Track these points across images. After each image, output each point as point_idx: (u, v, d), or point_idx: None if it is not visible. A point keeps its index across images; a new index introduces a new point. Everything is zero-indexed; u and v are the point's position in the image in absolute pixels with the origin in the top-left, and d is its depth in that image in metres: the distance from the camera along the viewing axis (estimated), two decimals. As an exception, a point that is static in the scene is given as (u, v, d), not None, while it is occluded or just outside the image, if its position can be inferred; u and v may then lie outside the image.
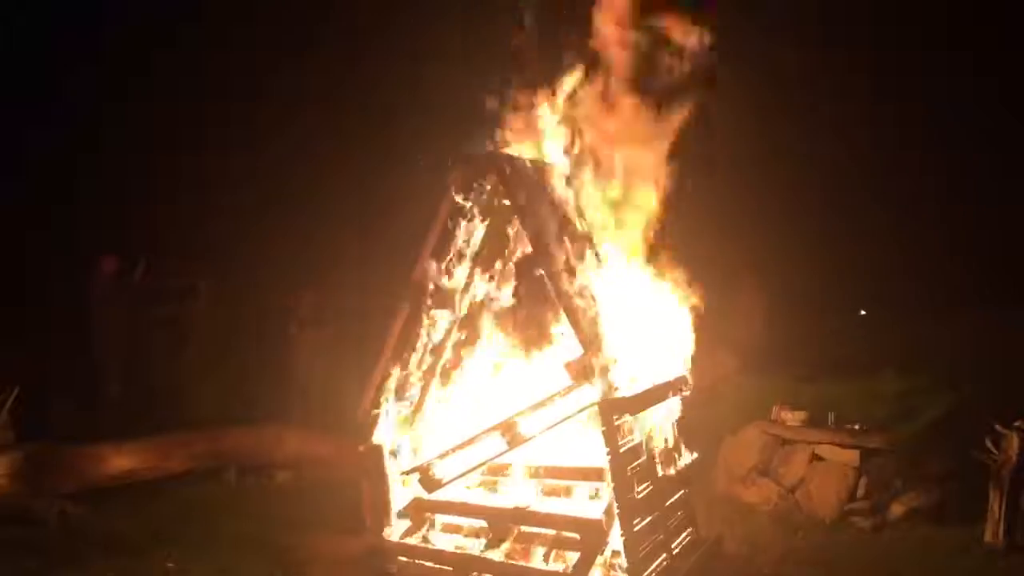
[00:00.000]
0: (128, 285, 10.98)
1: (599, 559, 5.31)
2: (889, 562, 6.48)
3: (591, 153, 6.43)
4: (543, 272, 5.40)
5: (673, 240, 6.44)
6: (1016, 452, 6.55)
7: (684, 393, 6.15)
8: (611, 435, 5.18)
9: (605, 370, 5.25)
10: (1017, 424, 6.66)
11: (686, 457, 6.20)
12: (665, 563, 5.54)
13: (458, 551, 5.73)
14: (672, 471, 5.94)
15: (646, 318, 6.10)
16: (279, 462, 9.18)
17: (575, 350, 5.39)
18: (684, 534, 6.02)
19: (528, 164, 5.95)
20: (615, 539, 5.27)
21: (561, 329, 5.99)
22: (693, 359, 6.26)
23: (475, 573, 5.47)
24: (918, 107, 10.10)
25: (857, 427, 7.97)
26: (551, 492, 5.84)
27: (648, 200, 6.42)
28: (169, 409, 10.59)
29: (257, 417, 10.70)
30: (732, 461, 8.48)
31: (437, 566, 5.68)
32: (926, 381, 8.20)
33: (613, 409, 5.18)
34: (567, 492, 5.79)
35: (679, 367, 6.18)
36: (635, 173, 6.45)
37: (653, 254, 6.42)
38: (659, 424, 5.91)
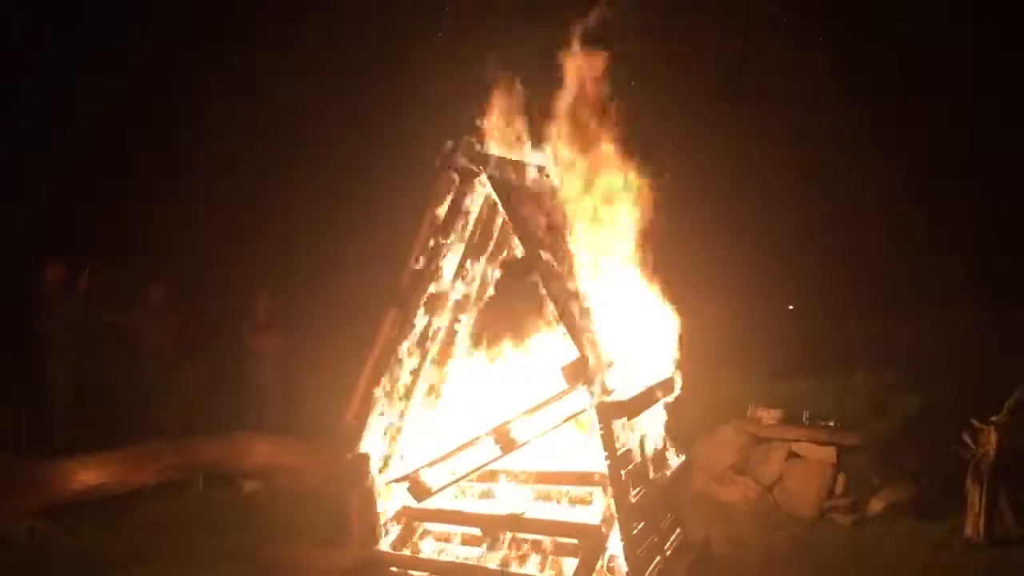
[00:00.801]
0: (74, 292, 10.64)
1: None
2: (874, 558, 6.55)
3: (573, 155, 6.40)
4: (537, 275, 5.32)
5: (654, 242, 6.42)
6: (994, 447, 6.66)
7: (672, 395, 6.14)
8: (609, 439, 5.12)
9: (602, 373, 5.19)
10: (994, 419, 6.76)
11: (675, 459, 6.19)
12: (660, 566, 5.51)
13: (452, 560, 5.62)
14: (663, 473, 5.92)
15: (633, 320, 6.07)
16: (248, 472, 8.99)
17: (568, 353, 5.32)
18: (674, 536, 6.01)
19: (517, 166, 5.89)
20: (613, 544, 5.22)
21: (551, 332, 5.93)
22: (679, 360, 6.26)
23: (473, 582, 5.36)
24: (891, 105, 10.25)
25: (832, 424, 8.07)
26: (542, 497, 5.77)
27: (630, 202, 6.40)
28: (124, 419, 10.33)
29: (213, 425, 10.51)
30: (708, 460, 8.51)
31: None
32: (896, 378, 8.31)
33: (612, 412, 5.12)
34: (560, 497, 5.73)
35: (666, 368, 6.16)
36: (614, 176, 6.43)
37: (636, 255, 6.39)
38: (649, 426, 5.89)
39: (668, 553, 5.72)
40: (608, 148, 6.35)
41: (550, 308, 5.41)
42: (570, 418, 5.33)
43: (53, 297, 10.36)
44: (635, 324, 6.06)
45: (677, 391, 6.20)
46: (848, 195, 10.10)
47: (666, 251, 6.45)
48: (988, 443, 6.69)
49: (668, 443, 6.14)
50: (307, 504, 8.26)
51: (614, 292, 6.14)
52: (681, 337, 6.17)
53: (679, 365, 6.24)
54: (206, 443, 8.68)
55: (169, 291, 11.15)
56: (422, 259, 5.90)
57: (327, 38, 12.33)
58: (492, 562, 5.43)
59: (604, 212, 6.37)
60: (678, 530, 6.12)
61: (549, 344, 6.11)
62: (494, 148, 6.04)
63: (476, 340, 6.33)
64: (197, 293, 12.24)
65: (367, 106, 11.75)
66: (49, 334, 10.33)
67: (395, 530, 5.94)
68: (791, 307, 10.64)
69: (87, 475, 7.31)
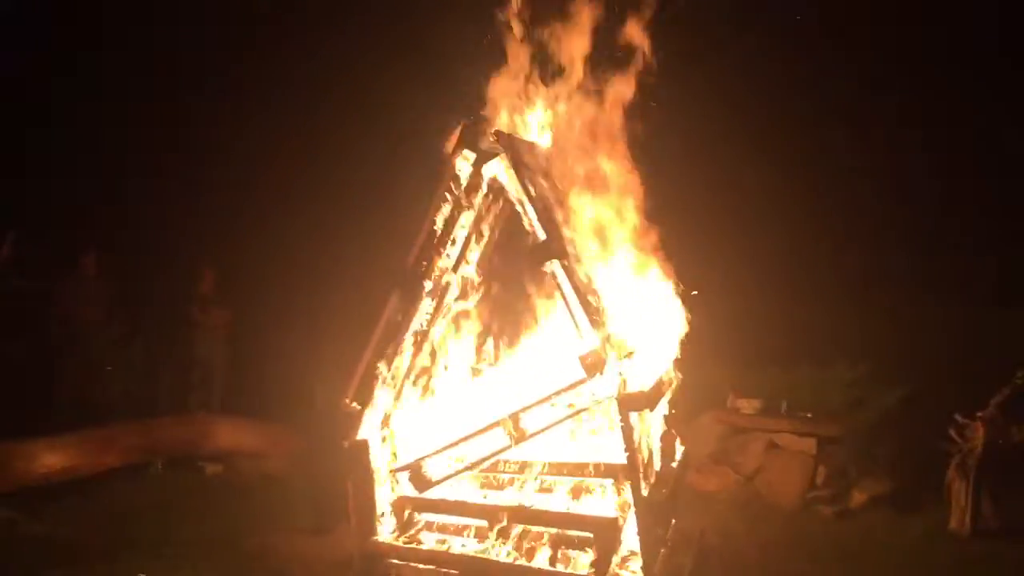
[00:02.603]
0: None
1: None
2: (865, 550, 6.57)
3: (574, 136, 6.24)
4: (556, 261, 5.13)
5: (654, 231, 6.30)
6: (981, 442, 6.75)
7: (674, 386, 6.06)
8: (629, 431, 4.99)
9: (621, 364, 5.06)
10: (980, 414, 6.85)
11: (679, 450, 6.13)
12: (665, 558, 5.44)
13: (458, 552, 5.42)
14: (670, 464, 5.84)
15: (639, 306, 5.95)
16: (210, 454, 8.68)
17: (579, 342, 5.17)
18: (670, 527, 5.94)
19: (532, 147, 5.70)
20: (626, 537, 5.11)
21: (560, 320, 5.77)
22: (682, 350, 6.19)
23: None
24: (889, 97, 10.35)
25: (810, 415, 8.11)
26: (547, 489, 5.62)
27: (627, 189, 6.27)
28: (61, 398, 9.86)
29: (159, 405, 10.14)
30: (687, 450, 8.47)
31: (435, 568, 5.37)
32: (875, 370, 8.39)
33: (632, 404, 4.99)
34: (565, 489, 5.58)
35: (669, 356, 6.07)
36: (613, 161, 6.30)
37: (635, 240, 6.26)
38: (655, 416, 5.79)
39: (669, 544, 5.66)
40: (607, 131, 6.23)
41: (567, 295, 5.22)
42: (586, 408, 5.19)
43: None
44: (640, 311, 5.95)
45: (677, 382, 6.14)
46: (833, 185, 10.17)
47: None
48: (975, 438, 6.78)
49: (672, 433, 6.06)
50: (273, 489, 8.01)
51: (617, 278, 6.01)
52: (686, 325, 6.10)
53: (680, 353, 6.18)
54: (169, 425, 8.39)
55: (102, 259, 10.64)
56: (428, 240, 5.68)
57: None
58: (499, 555, 5.27)
59: (603, 195, 6.25)
60: (673, 521, 6.07)
61: (554, 333, 5.96)
62: (502, 127, 5.84)
63: (480, 327, 6.13)
64: (137, 265, 11.83)
65: (342, 77, 11.39)
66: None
67: (393, 521, 5.71)
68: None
69: (53, 458, 6.93)
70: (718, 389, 8.65)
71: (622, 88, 6.20)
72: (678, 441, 6.15)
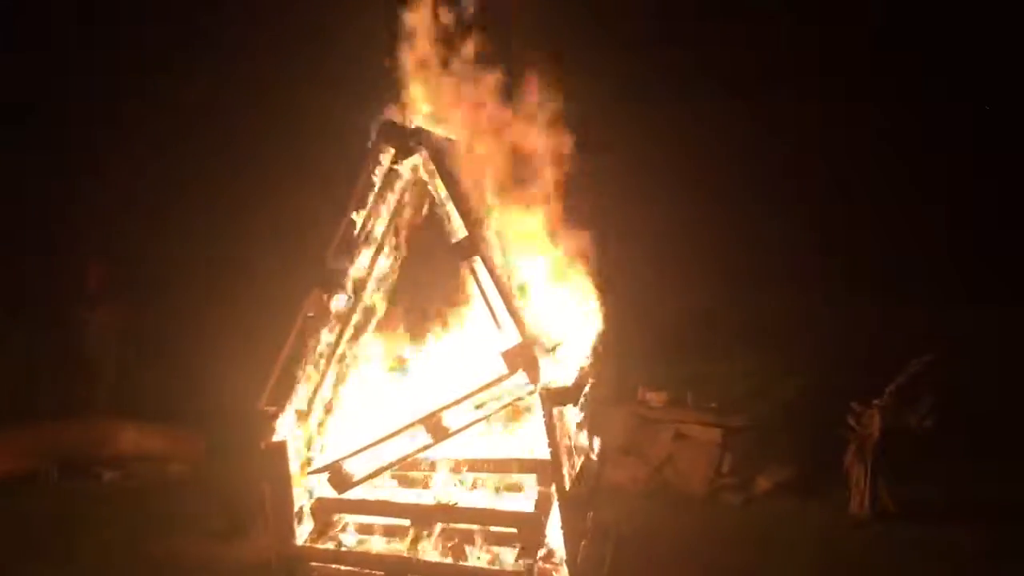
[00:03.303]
0: None
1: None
2: (771, 536, 6.78)
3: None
4: (479, 258, 5.12)
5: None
6: (878, 428, 7.06)
7: (592, 381, 6.12)
8: (552, 426, 5.03)
9: (544, 358, 5.09)
10: (877, 402, 7.17)
11: (596, 443, 6.21)
12: (585, 550, 5.50)
13: (383, 552, 5.37)
14: (590, 458, 5.92)
15: (558, 305, 6.00)
16: (111, 459, 8.35)
17: (504, 339, 5.18)
18: (588, 519, 6.02)
19: (449, 142, 5.67)
20: (552, 532, 5.15)
21: (481, 317, 5.76)
22: (598, 345, 6.27)
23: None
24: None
25: (715, 406, 8.32)
26: (470, 486, 5.62)
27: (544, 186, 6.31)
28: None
29: (41, 406, 9.68)
30: (602, 443, 8.58)
31: (358, 569, 5.30)
32: (772, 361, 8.66)
33: (555, 399, 5.02)
34: (486, 485, 5.60)
35: (587, 353, 6.13)
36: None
37: (547, 234, 6.30)
38: (574, 411, 5.85)
39: (588, 536, 5.73)
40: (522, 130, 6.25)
41: (487, 291, 5.22)
42: (509, 405, 5.20)
43: None
44: (558, 306, 6.00)
45: (594, 377, 6.21)
46: (733, 184, 10.41)
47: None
48: (872, 425, 7.09)
49: (587, 428, 6.13)
50: (177, 494, 7.81)
51: (535, 274, 6.05)
52: (604, 320, 6.18)
53: (599, 348, 6.25)
54: (68, 428, 8.03)
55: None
56: (345, 237, 5.59)
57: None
58: (423, 553, 5.24)
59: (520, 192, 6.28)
60: (590, 513, 6.14)
61: (474, 330, 5.95)
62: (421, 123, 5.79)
63: (399, 325, 6.07)
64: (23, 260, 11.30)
65: (255, 65, 11.09)
66: None
67: (311, 523, 5.60)
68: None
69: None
70: (627, 383, 8.79)
71: (535, 86, 6.25)
72: (594, 435, 6.22)
